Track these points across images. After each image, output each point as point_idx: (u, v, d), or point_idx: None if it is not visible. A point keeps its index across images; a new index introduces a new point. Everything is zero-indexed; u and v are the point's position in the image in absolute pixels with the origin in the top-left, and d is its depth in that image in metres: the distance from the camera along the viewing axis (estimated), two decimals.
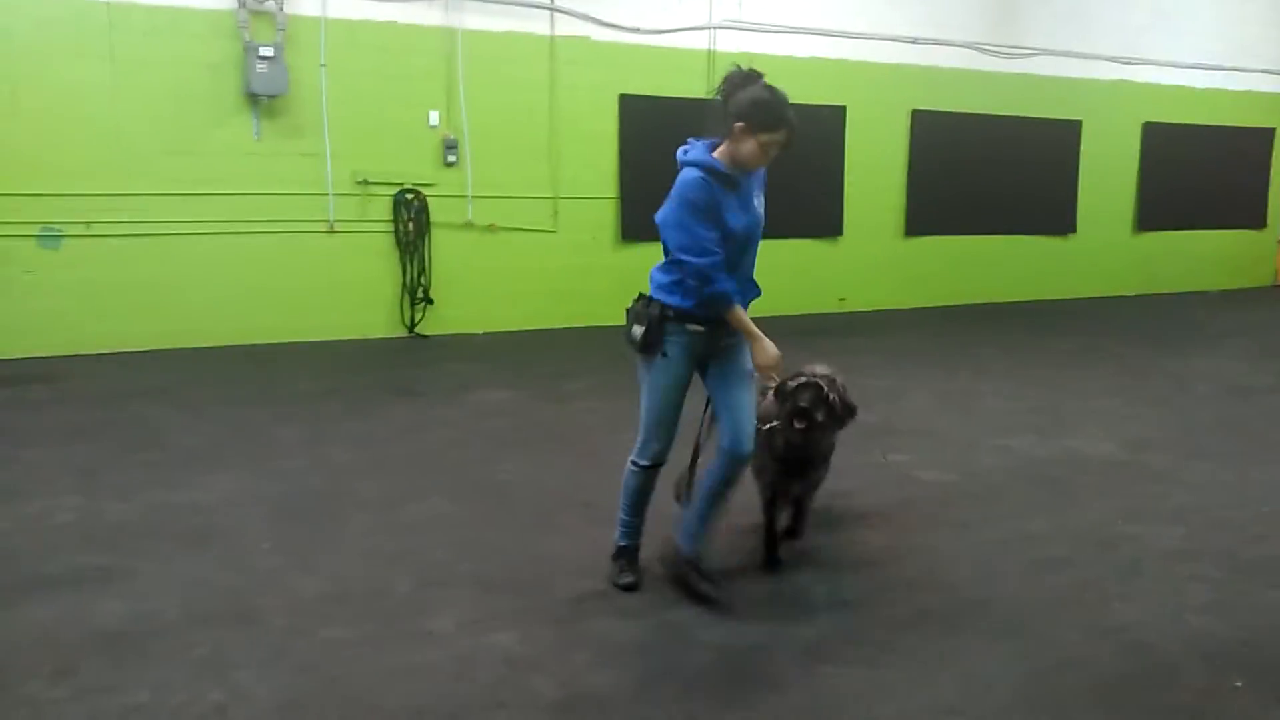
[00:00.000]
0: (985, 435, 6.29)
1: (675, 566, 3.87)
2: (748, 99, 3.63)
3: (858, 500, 5.01)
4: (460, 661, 3.33)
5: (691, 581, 3.79)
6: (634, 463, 4.00)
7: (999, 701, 3.09)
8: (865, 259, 12.06)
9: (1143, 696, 3.13)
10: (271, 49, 8.59)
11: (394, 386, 7.52)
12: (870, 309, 12.05)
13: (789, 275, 11.59)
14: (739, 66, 3.82)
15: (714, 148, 3.70)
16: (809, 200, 11.65)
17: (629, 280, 10.55)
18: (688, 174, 3.60)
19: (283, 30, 8.73)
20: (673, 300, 3.67)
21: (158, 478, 5.25)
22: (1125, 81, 13.42)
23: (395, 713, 3.03)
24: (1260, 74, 14.45)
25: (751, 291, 3.99)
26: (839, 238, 11.93)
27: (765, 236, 11.77)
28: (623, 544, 3.99)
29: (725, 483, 3.81)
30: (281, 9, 8.71)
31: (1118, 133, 13.54)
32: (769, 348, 3.77)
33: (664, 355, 3.75)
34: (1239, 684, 3.19)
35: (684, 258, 3.54)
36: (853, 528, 4.64)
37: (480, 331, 10.00)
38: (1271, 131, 14.88)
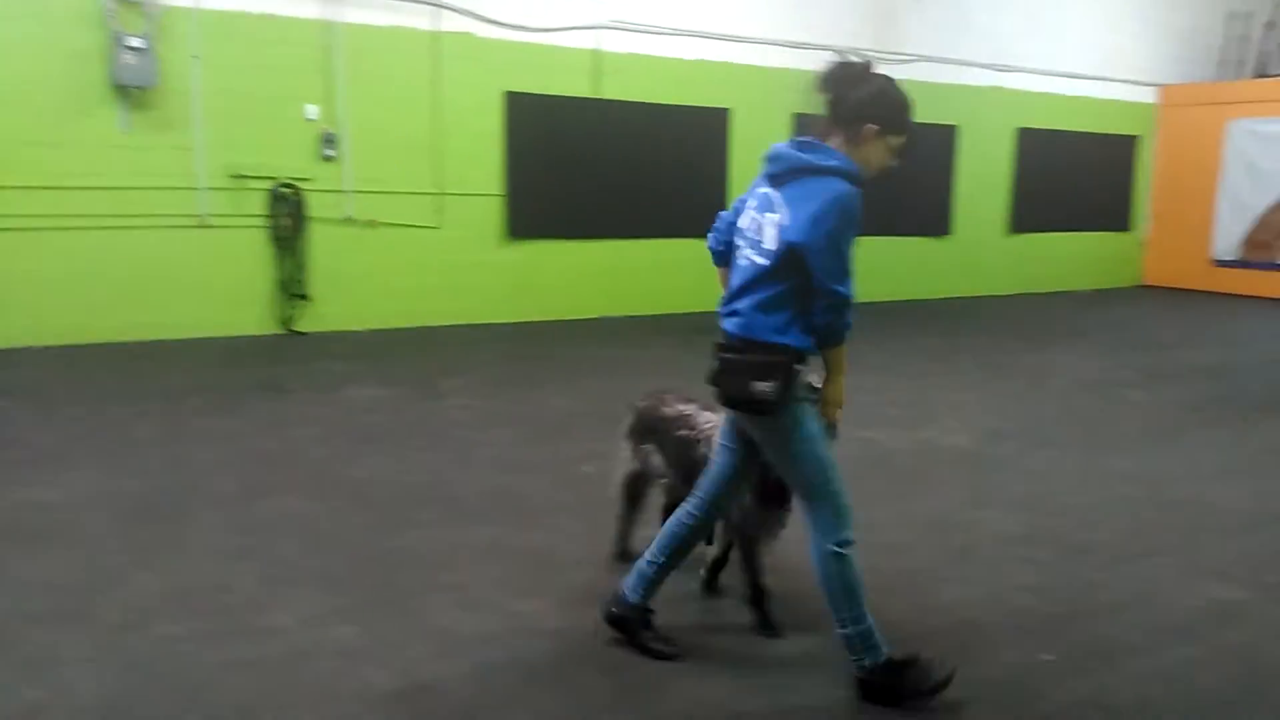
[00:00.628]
0: (847, 428, 6.38)
1: (623, 618, 3.38)
2: (880, 96, 3.05)
3: None
4: (296, 656, 3.30)
5: (644, 639, 3.36)
6: (844, 545, 3.10)
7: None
8: None
9: (963, 670, 3.27)
10: (141, 40, 8.35)
11: (263, 384, 7.39)
12: None
13: (676, 274, 11.74)
14: (845, 56, 3.22)
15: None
16: (694, 201, 11.78)
17: (515, 278, 10.71)
18: (845, 188, 2.92)
19: (154, 20, 8.49)
20: (791, 340, 3.01)
21: (4, 476, 5.07)
22: (1000, 88, 13.92)
23: (223, 708, 3.00)
24: (1125, 84, 15.14)
25: None
26: None
27: (656, 236, 11.76)
28: (898, 658, 3.10)
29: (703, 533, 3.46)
30: None
31: (993, 138, 14.03)
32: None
33: (800, 402, 3.06)
34: (1048, 657, 3.37)
35: (839, 289, 2.92)
36: (649, 523, 4.71)
37: (360, 328, 9.88)
38: (1136, 139, 15.59)
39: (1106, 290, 15.41)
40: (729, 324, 3.12)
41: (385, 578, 3.94)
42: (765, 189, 3.09)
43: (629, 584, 3.41)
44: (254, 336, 9.35)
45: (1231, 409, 7.30)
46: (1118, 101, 15.19)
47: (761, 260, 3.01)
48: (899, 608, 3.73)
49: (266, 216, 9.33)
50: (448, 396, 7.18)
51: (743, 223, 3.17)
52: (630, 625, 3.37)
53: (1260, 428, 6.75)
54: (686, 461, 3.70)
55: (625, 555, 4.02)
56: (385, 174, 9.86)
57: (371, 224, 9.84)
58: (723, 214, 3.41)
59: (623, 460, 4.08)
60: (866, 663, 3.05)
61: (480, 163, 10.38)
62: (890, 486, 5.25)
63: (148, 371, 7.75)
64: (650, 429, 3.97)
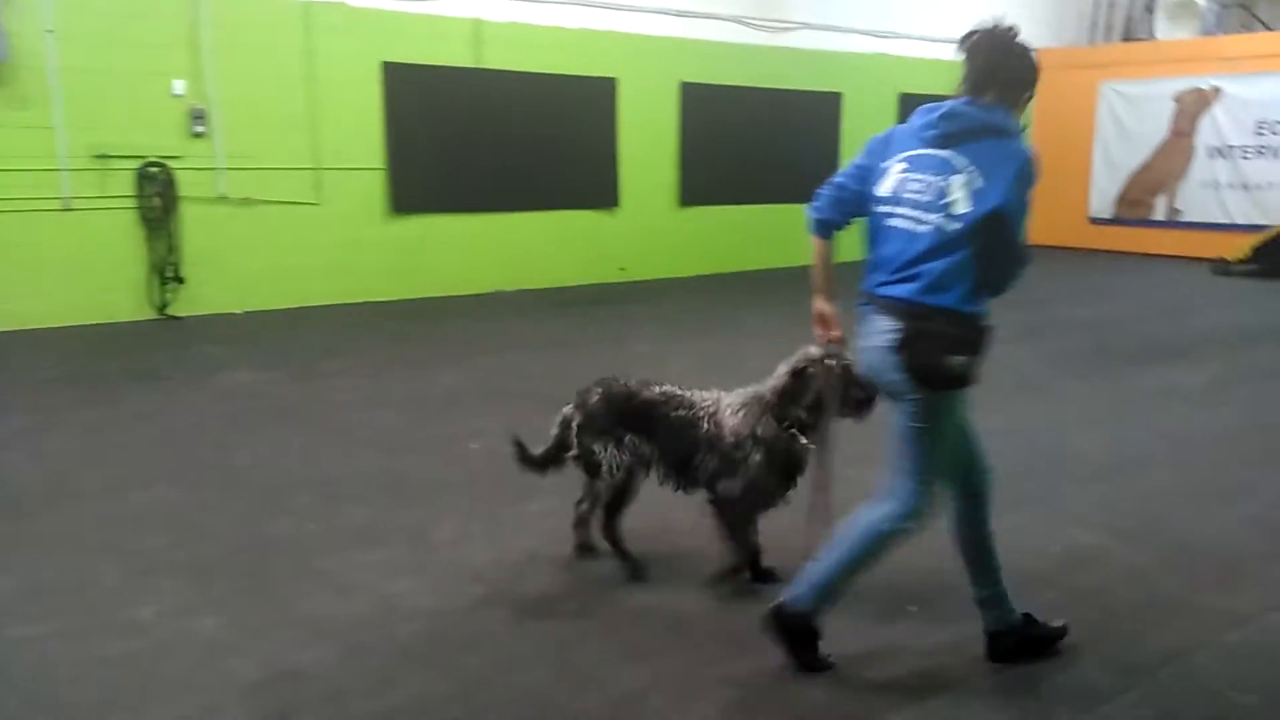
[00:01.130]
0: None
1: (791, 626, 3.08)
2: (1035, 65, 3.02)
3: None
4: (158, 649, 3.21)
5: (808, 653, 3.08)
6: (902, 531, 3.02)
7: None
8: (643, 229, 12.25)
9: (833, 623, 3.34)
10: None
11: (136, 371, 7.13)
12: (650, 278, 12.26)
13: (569, 246, 11.70)
14: (997, 21, 3.04)
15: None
16: (584, 171, 11.75)
17: (401, 253, 10.51)
18: (1029, 150, 2.90)
19: None
20: (980, 310, 2.91)
21: None
22: (882, 54, 14.13)
23: (80, 706, 2.91)
24: None
25: None
26: (616, 208, 12.06)
27: (546, 208, 11.58)
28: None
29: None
30: None
31: (876, 103, 14.20)
32: None
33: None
34: (913, 609, 3.47)
35: (1029, 249, 2.92)
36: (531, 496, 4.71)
37: (240, 311, 9.59)
38: None
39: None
40: (904, 290, 2.87)
41: (255, 566, 3.85)
42: (931, 150, 2.92)
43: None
44: (127, 323, 9.00)
45: (1100, 361, 7.60)
46: None
47: (950, 225, 2.82)
48: (774, 562, 3.78)
49: (134, 197, 8.96)
50: (329, 378, 7.02)
51: (889, 188, 2.98)
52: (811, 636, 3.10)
53: (1125, 378, 7.04)
54: (686, 445, 3.55)
55: (587, 549, 3.89)
56: (260, 150, 9.55)
57: (247, 202, 9.54)
58: (839, 181, 3.15)
59: (595, 462, 3.71)
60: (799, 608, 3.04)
61: (360, 136, 10.13)
62: None
63: (13, 363, 7.41)
64: (627, 419, 3.69)
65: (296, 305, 9.86)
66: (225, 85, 9.25)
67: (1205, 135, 14.40)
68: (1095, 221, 15.59)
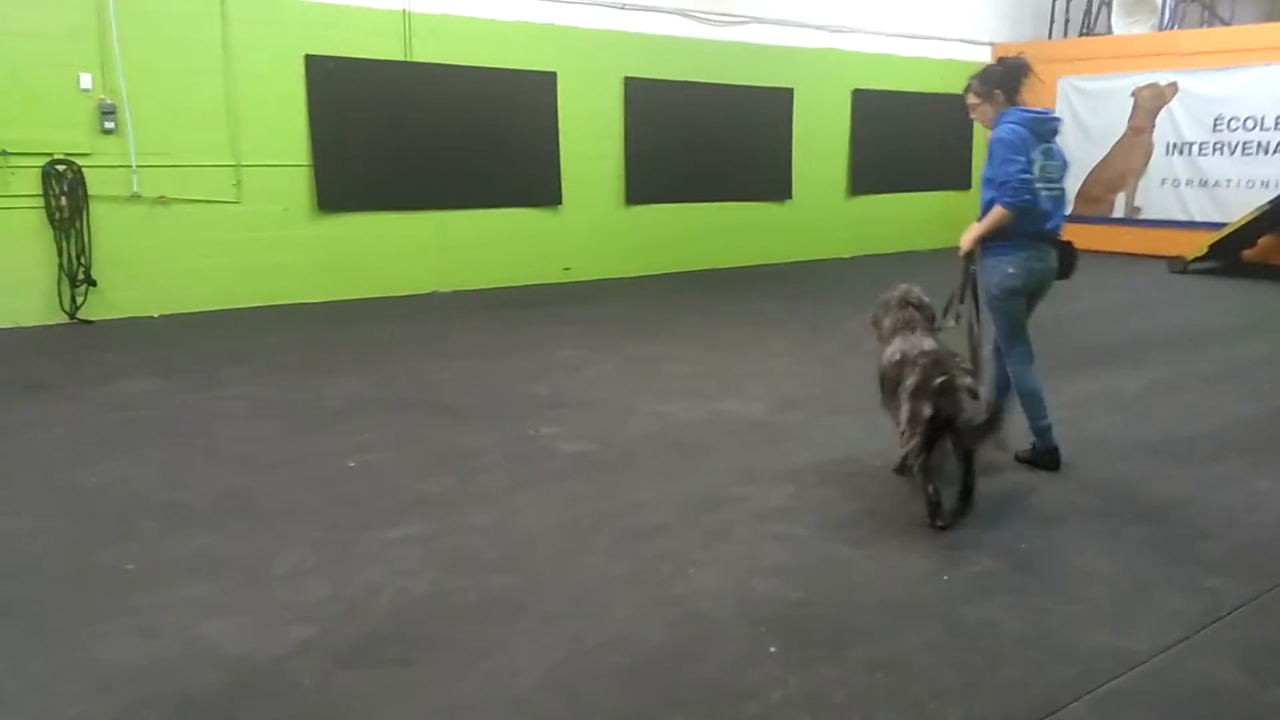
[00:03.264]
0: (645, 402, 6.21)
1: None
2: None
3: (485, 478, 4.79)
4: None
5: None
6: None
7: (521, 692, 2.92)
8: (587, 228, 11.92)
9: (675, 671, 3.04)
10: None
11: (21, 380, 6.75)
12: (595, 278, 11.93)
13: (511, 245, 11.38)
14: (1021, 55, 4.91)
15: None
16: (525, 169, 11.41)
17: (329, 253, 10.14)
18: None
19: None
20: None
21: None
22: (834, 50, 13.84)
23: None
24: (960, 43, 15.26)
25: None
26: (559, 207, 11.72)
27: (485, 206, 11.16)
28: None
29: None
30: None
31: (829, 100, 13.96)
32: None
33: None
34: (773, 649, 3.16)
35: None
36: (458, 508, 4.39)
37: (155, 314, 9.21)
38: None
39: (949, 250, 15.54)
40: (1057, 230, 4.80)
41: (69, 602, 3.51)
42: (1048, 144, 4.71)
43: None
44: (35, 327, 8.62)
45: (1041, 364, 7.29)
46: (954, 61, 15.26)
47: (1062, 190, 4.78)
48: (632, 601, 3.48)
49: (40, 196, 8.57)
50: (223, 386, 6.67)
51: (1036, 172, 4.59)
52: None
53: (1060, 383, 6.73)
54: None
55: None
56: (175, 146, 9.17)
57: (162, 200, 9.16)
58: (1027, 177, 4.55)
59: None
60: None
61: (283, 131, 9.76)
62: (666, 463, 5.02)
63: None
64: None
65: (217, 308, 9.49)
66: (137, 79, 8.85)
67: (1163, 131, 14.20)
68: None
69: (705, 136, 12.55)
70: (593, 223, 11.96)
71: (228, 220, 9.55)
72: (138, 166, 8.99)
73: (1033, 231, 4.65)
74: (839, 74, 13.94)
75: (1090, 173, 14.92)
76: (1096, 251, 14.37)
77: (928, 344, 4.38)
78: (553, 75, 11.37)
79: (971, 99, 4.89)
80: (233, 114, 9.44)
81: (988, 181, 4.69)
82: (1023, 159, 4.52)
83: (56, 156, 8.59)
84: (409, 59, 10.35)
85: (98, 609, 3.45)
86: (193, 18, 9.11)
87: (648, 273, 12.35)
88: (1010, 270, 4.72)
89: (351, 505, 4.42)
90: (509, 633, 3.27)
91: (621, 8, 11.72)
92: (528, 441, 5.41)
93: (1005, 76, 4.74)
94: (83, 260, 8.79)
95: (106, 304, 8.98)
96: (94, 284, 8.86)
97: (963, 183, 16.01)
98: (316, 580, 3.66)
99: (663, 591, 3.56)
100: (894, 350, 4.48)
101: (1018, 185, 4.48)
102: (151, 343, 8.14)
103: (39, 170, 8.53)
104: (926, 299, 4.78)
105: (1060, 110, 14.88)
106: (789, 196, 13.78)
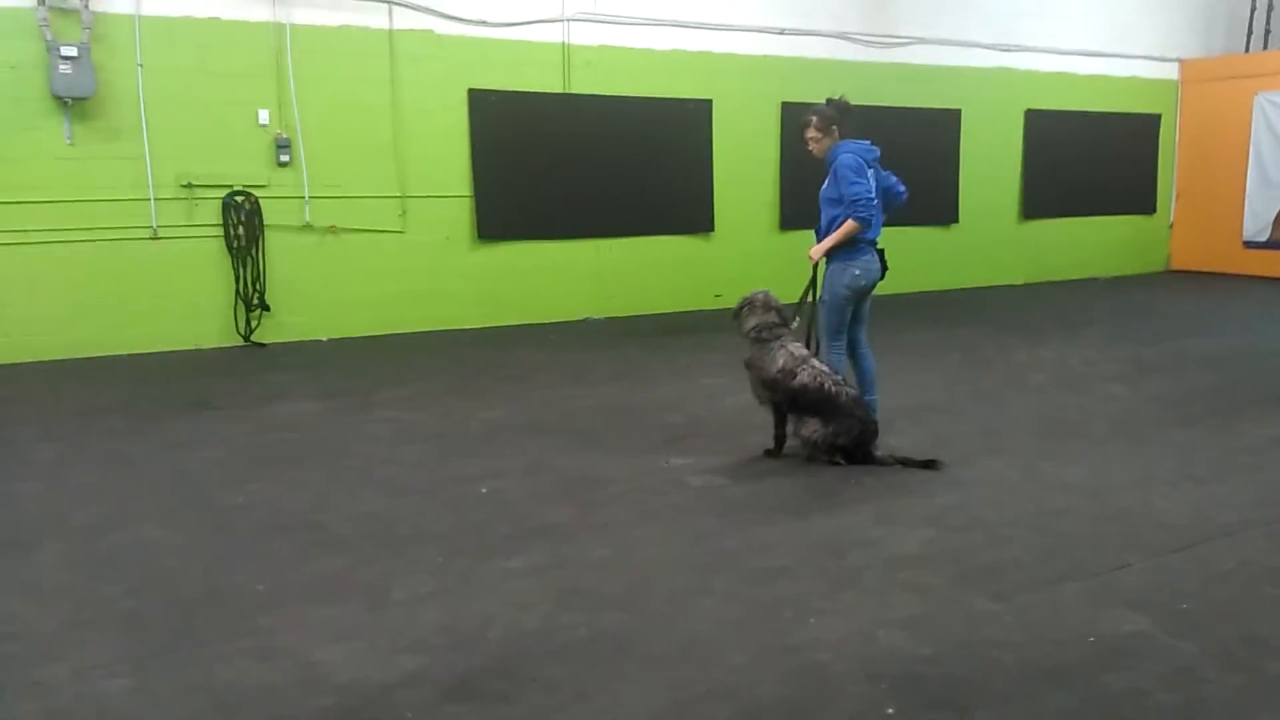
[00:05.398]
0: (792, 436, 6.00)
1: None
2: None
3: (611, 509, 4.72)
4: (49, 716, 2.99)
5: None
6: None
7: None
8: (740, 254, 11.78)
9: None
10: (75, 49, 8.17)
11: (191, 400, 7.14)
12: None
13: (662, 272, 11.38)
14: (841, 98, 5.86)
15: None
16: (678, 196, 11.40)
17: (487, 280, 10.41)
18: None
19: (88, 29, 8.30)
20: None
21: None
22: (1005, 69, 13.29)
23: None
24: (1143, 60, 14.40)
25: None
26: (711, 234, 11.66)
27: (638, 234, 11.19)
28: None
29: None
30: (87, 7, 8.28)
31: (999, 120, 13.41)
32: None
33: None
34: (890, 710, 2.94)
35: None
36: (580, 539, 4.33)
37: (324, 338, 9.63)
38: (1157, 118, 14.83)
39: (1130, 277, 14.68)
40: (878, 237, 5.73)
41: (198, 620, 3.62)
42: (872, 169, 5.63)
43: None
44: (213, 349, 9.16)
45: (1217, 405, 6.73)
46: (1136, 78, 14.45)
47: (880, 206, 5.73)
48: (747, 647, 3.32)
49: (221, 225, 9.11)
50: (377, 409, 6.87)
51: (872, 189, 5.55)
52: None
53: (1240, 426, 6.18)
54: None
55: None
56: (345, 178, 9.60)
57: (332, 230, 9.59)
58: (871, 196, 5.50)
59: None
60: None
61: (446, 163, 10.08)
62: (798, 501, 4.84)
63: (79, 390, 7.56)
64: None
65: (381, 333, 9.85)
66: (310, 114, 9.33)
67: None
68: (1249, 245, 14.23)
69: None
70: (745, 249, 11.83)
71: (393, 249, 9.92)
72: (310, 197, 9.44)
73: (869, 240, 5.62)
74: (1010, 94, 13.38)
75: None
76: None
77: (817, 361, 5.43)
78: (708, 103, 11.35)
79: (812, 133, 5.69)
80: (399, 147, 9.81)
81: (830, 201, 5.62)
82: (866, 181, 5.46)
83: (236, 188, 9.12)
84: (567, 90, 10.52)
85: (224, 629, 3.55)
86: (363, 55, 9.53)
87: (778, 299, 12.06)
88: (856, 272, 5.60)
89: (477, 532, 4.43)
90: (614, 675, 3.17)
91: (780, 33, 11.60)
92: (658, 472, 5.33)
93: (840, 116, 5.69)
94: (258, 286, 9.29)
95: (279, 328, 9.45)
96: (267, 309, 9.35)
97: (1147, 207, 15.09)
98: (433, 608, 3.66)
99: (780, 640, 3.38)
100: (783, 362, 5.34)
101: (865, 203, 5.42)
102: (317, 365, 8.50)
103: (219, 201, 9.07)
104: (781, 305, 5.61)
105: (1257, 128, 13.87)
106: (955, 220, 13.28)
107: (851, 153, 5.53)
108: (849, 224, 5.47)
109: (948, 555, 4.09)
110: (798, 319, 5.77)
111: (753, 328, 5.51)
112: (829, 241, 5.58)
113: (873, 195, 5.49)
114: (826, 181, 5.69)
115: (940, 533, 4.35)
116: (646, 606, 3.65)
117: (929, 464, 5.26)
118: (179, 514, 4.76)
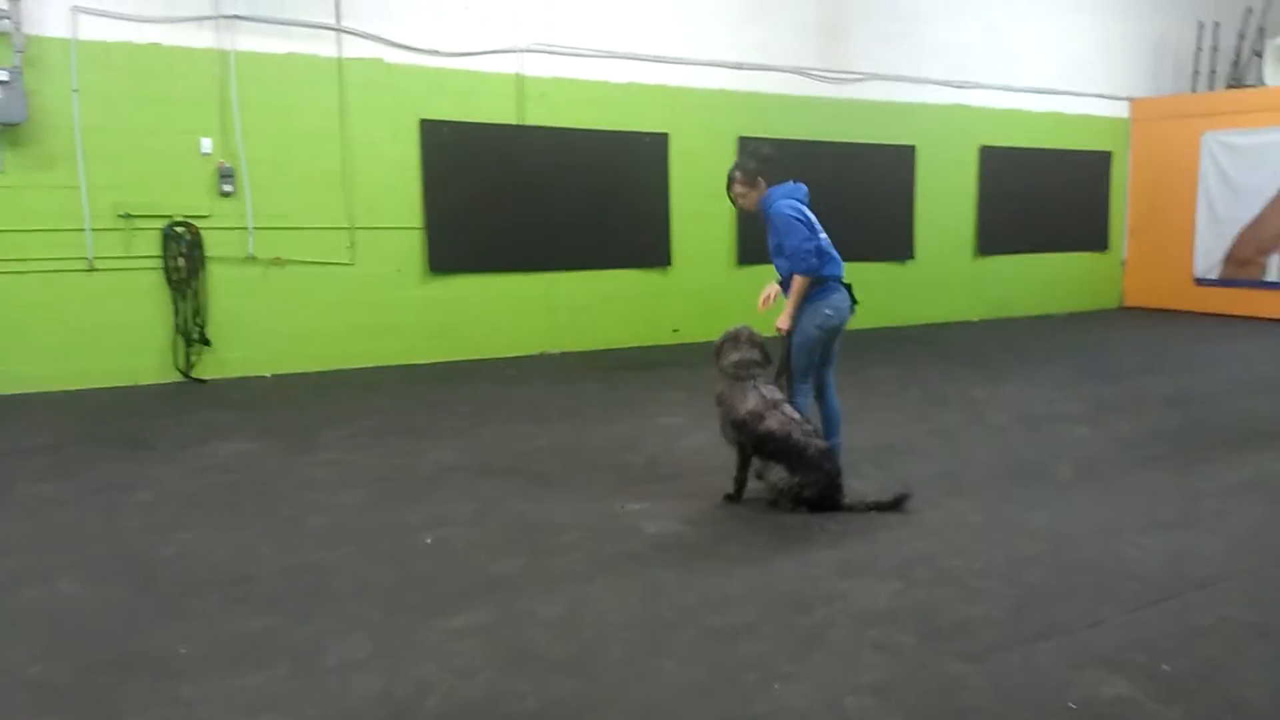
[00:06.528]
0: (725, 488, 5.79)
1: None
2: None
3: (563, 560, 4.48)
4: None
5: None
6: None
7: None
8: (698, 289, 11.64)
9: None
10: (5, 73, 7.84)
11: (125, 440, 6.80)
12: (704, 339, 11.53)
13: (620, 307, 11.20)
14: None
15: None
16: (634, 230, 11.25)
17: (439, 314, 10.13)
18: None
19: (20, 53, 7.98)
20: None
21: None
22: (959, 105, 13.34)
23: None
24: (1095, 98, 14.55)
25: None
26: (668, 268, 11.51)
27: (594, 267, 10.82)
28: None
29: None
30: (19, 29, 7.97)
31: (954, 157, 13.43)
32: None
33: None
34: None
35: None
36: (529, 594, 4.08)
37: (268, 374, 9.30)
38: (1109, 155, 14.98)
39: (1084, 313, 14.74)
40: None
41: (107, 690, 3.32)
42: (809, 210, 5.57)
43: None
44: (150, 386, 8.79)
45: (1179, 446, 6.64)
46: (1088, 116, 14.59)
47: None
48: (705, 718, 3.09)
49: (160, 257, 8.78)
50: (319, 451, 6.57)
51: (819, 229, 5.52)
52: None
53: (1206, 467, 6.08)
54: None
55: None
56: (291, 209, 9.32)
57: (277, 262, 9.29)
58: (810, 245, 5.38)
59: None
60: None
61: (396, 194, 9.83)
62: (760, 549, 4.62)
63: (6, 428, 7.18)
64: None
65: (328, 369, 9.54)
66: (255, 143, 9.05)
67: None
68: (1200, 282, 14.36)
69: (821, 195, 11.83)
70: (703, 284, 11.68)
71: (341, 282, 9.64)
72: (254, 228, 9.15)
73: (836, 276, 5.49)
74: (965, 131, 13.42)
75: (1239, 234, 13.91)
76: (1246, 318, 13.38)
77: (789, 407, 5.22)
78: (664, 136, 11.23)
79: (739, 189, 5.57)
80: (348, 177, 9.56)
81: (779, 250, 5.44)
82: (803, 228, 5.33)
83: (176, 219, 8.80)
84: (521, 123, 10.34)
85: (141, 699, 3.26)
86: (310, 83, 9.29)
87: (761, 334, 11.94)
88: (829, 312, 5.47)
89: (420, 586, 4.17)
90: None
91: (737, 67, 11.53)
92: (613, 518, 5.10)
93: (764, 165, 5.53)
94: (198, 320, 8.95)
95: (220, 363, 9.12)
96: (208, 343, 9.02)
97: (1100, 244, 15.21)
98: (367, 674, 3.39)
99: (742, 709, 3.16)
100: (754, 404, 5.13)
101: (805, 253, 5.29)
102: (258, 403, 8.17)
103: (159, 232, 8.75)
104: (763, 342, 5.41)
105: (1205, 168, 14.06)
106: (910, 256, 13.25)
107: (783, 199, 5.41)
108: (798, 282, 5.35)
109: (917, 610, 3.90)
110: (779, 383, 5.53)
111: (732, 363, 5.27)
112: (790, 306, 5.43)
113: (812, 242, 5.34)
114: (769, 233, 5.52)
115: (908, 585, 4.16)
116: (599, 671, 3.41)
117: (899, 500, 5.10)
118: (101, 566, 4.45)
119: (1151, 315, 14.47)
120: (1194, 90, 14.97)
